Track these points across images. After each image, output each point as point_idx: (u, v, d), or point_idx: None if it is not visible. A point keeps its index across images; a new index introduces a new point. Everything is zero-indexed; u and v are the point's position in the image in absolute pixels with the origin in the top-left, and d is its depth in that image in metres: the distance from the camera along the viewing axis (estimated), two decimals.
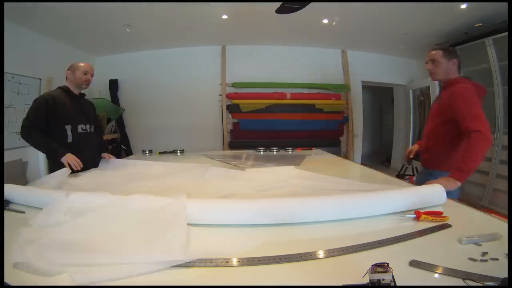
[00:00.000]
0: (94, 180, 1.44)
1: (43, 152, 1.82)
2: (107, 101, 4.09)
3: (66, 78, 1.84)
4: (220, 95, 4.22)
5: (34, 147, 1.71)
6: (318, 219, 0.81)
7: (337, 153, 3.84)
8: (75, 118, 1.80)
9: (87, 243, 0.65)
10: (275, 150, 2.53)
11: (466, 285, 0.49)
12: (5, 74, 2.71)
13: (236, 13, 3.09)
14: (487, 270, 0.53)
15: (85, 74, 1.82)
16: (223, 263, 0.58)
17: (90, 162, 1.76)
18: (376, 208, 0.86)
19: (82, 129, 1.83)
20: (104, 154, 1.91)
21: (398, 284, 0.45)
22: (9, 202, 0.92)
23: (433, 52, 1.51)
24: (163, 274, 0.55)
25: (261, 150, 2.54)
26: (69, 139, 1.75)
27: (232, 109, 4.22)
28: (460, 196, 1.34)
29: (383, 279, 0.45)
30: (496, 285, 0.48)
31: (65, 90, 1.83)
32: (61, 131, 1.73)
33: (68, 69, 1.83)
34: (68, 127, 1.75)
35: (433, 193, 0.96)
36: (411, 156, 1.76)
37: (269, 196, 1.09)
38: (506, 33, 2.81)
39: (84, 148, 1.78)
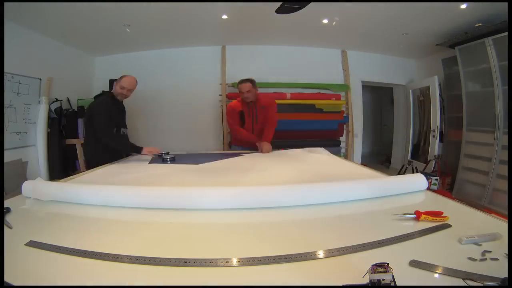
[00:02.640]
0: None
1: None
2: None
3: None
4: (220, 95, 4.21)
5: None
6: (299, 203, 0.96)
7: (337, 153, 3.84)
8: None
9: None
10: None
11: (466, 285, 0.49)
12: (5, 74, 2.71)
13: (236, 13, 3.09)
14: (487, 270, 0.53)
15: (122, 89, 2.04)
16: (223, 263, 0.58)
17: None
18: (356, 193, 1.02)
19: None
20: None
21: (398, 284, 0.45)
22: (9, 210, 0.90)
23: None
24: (162, 274, 0.55)
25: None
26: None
27: None
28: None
29: (383, 279, 0.45)
30: (496, 285, 0.48)
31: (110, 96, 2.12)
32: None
33: (116, 80, 2.09)
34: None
35: (414, 181, 1.13)
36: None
37: None
38: (506, 33, 2.81)
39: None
